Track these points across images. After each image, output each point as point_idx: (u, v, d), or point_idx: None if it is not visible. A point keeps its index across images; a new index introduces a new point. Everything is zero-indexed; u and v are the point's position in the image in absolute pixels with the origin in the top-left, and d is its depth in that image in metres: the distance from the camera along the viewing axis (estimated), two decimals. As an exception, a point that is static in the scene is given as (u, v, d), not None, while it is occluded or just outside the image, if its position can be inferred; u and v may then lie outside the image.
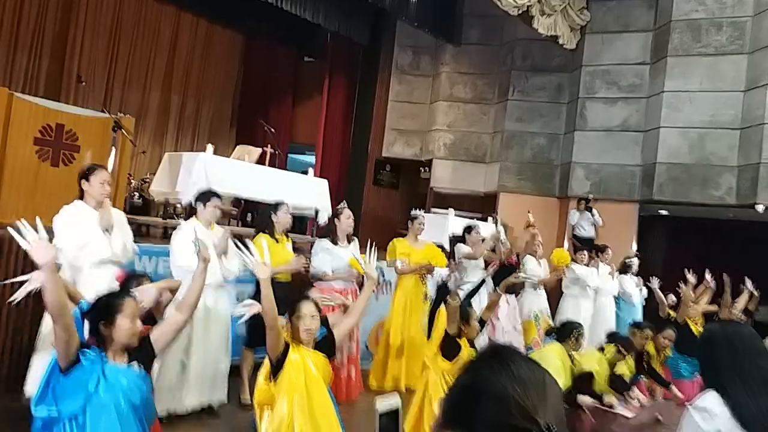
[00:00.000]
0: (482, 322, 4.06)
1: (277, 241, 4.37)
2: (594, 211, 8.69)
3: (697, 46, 8.42)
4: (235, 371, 4.35)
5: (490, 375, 0.90)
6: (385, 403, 1.07)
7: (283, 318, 2.86)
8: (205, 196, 4.05)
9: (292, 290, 4.21)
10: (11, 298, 2.60)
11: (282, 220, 4.39)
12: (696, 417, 1.77)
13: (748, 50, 8.11)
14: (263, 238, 4.32)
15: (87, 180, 3.44)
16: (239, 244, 2.98)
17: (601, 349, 4.63)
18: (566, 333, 4.65)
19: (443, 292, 5.10)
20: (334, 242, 4.79)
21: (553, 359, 4.27)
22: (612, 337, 4.80)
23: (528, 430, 0.84)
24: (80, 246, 3.34)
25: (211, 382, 3.99)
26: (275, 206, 4.46)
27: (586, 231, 8.69)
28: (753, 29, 8.10)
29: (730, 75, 8.16)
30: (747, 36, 8.14)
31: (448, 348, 3.78)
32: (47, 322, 3.46)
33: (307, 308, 2.92)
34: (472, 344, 3.93)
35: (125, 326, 2.28)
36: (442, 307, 4.41)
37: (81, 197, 3.47)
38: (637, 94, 9.04)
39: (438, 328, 3.96)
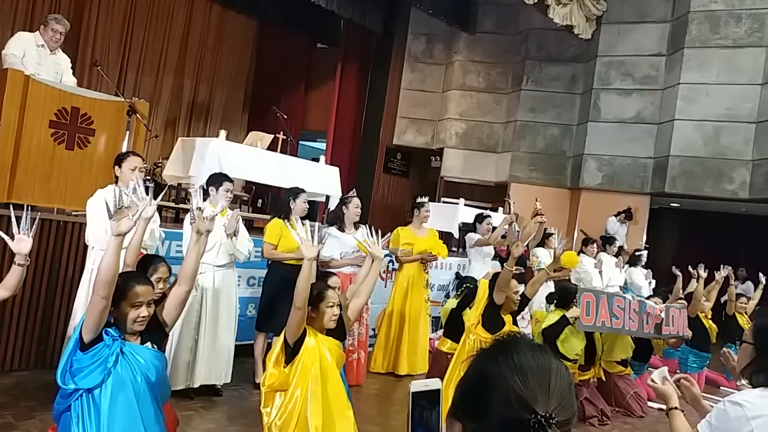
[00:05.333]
0: (526, 299, 4.10)
1: (292, 227, 4.43)
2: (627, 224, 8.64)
3: (715, 38, 8.31)
4: (240, 353, 4.42)
5: (493, 367, 0.90)
6: (421, 383, 1.03)
7: None
8: (217, 179, 4.10)
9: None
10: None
11: (299, 207, 4.46)
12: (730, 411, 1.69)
13: (767, 43, 7.99)
14: (278, 223, 4.40)
15: (119, 166, 3.61)
16: (290, 222, 2.98)
17: None
18: (568, 299, 4.71)
19: (463, 282, 5.16)
20: (341, 229, 4.85)
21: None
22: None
23: (527, 421, 0.83)
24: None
25: (217, 361, 4.07)
26: (294, 194, 4.51)
27: (618, 241, 8.47)
28: (772, 21, 7.98)
29: (748, 68, 8.06)
30: (766, 28, 8.02)
31: (491, 320, 3.84)
32: (78, 311, 3.56)
33: (333, 295, 2.98)
34: (514, 320, 4.01)
35: (126, 313, 2.32)
36: (483, 277, 4.49)
37: (116, 182, 3.62)
38: (652, 86, 8.95)
39: (478, 298, 4.02)
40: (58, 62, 5.01)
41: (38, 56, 4.79)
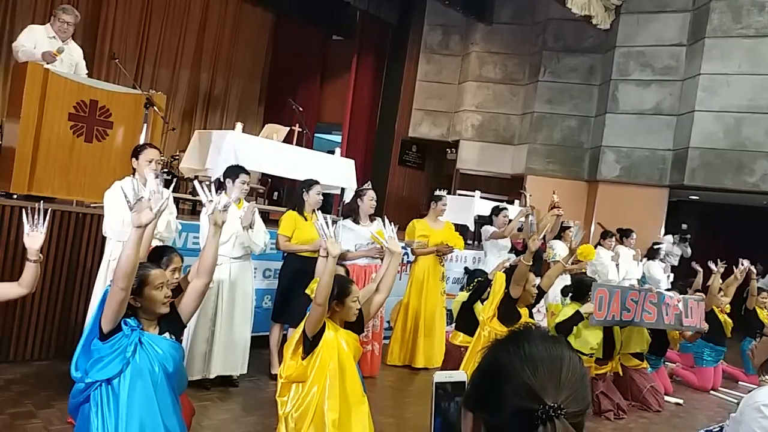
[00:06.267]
0: (542, 292, 4.09)
1: (306, 219, 4.45)
2: (688, 243, 8.35)
3: (737, 28, 8.14)
4: (256, 344, 4.46)
5: (504, 357, 0.90)
6: (445, 374, 1.04)
7: None
8: (234, 172, 4.12)
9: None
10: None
11: (312, 199, 4.48)
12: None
13: (791, 32, 7.82)
14: (292, 215, 4.43)
15: (136, 158, 3.63)
16: (321, 218, 2.96)
17: None
18: (583, 292, 4.68)
19: (473, 276, 5.14)
20: (356, 221, 4.86)
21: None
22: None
23: (535, 411, 0.83)
24: (127, 221, 3.46)
25: (233, 352, 4.11)
26: (308, 186, 4.53)
27: (673, 260, 7.99)
28: (797, 10, 7.81)
29: (771, 58, 7.89)
30: (790, 17, 7.85)
31: (507, 313, 3.83)
32: (96, 301, 3.61)
33: (357, 290, 3.01)
34: (530, 313, 4.00)
35: (154, 296, 2.37)
36: (497, 268, 4.47)
37: (133, 174, 3.65)
38: (672, 76, 8.81)
39: (494, 290, 4.02)
40: (71, 53, 5.07)
41: (51, 48, 4.84)
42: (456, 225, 5.99)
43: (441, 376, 1.03)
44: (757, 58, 7.97)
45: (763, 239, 9.78)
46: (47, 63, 4.63)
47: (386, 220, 3.39)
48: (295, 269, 4.32)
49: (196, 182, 2.64)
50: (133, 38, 10.11)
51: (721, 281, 5.96)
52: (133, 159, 3.66)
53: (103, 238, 4.14)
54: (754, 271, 6.36)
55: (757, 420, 1.64)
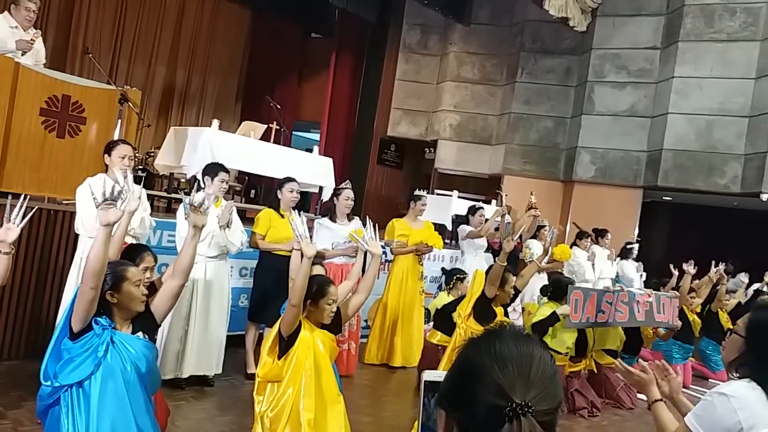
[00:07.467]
0: (516, 291, 4.13)
1: (282, 216, 4.42)
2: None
3: (710, 32, 8.31)
4: (232, 343, 4.42)
5: (475, 356, 0.91)
6: (434, 374, 1.05)
7: None
8: (213, 169, 4.07)
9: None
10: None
11: (286, 197, 4.44)
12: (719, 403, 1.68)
13: (761, 37, 8.00)
14: (268, 213, 4.40)
15: (109, 154, 3.59)
16: (297, 218, 2.93)
17: None
18: (561, 292, 4.74)
19: (451, 275, 5.18)
20: (333, 220, 4.85)
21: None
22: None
23: (503, 409, 0.84)
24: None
25: (208, 352, 4.07)
26: (281, 183, 4.51)
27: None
28: (767, 16, 7.99)
29: (742, 62, 8.08)
30: (760, 22, 8.03)
31: (483, 312, 3.85)
32: (68, 300, 3.54)
33: (334, 292, 2.98)
34: (505, 312, 4.03)
35: (132, 292, 2.33)
36: (479, 269, 4.52)
37: (106, 171, 3.60)
38: (647, 79, 8.96)
39: (472, 290, 4.04)
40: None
41: (14, 38, 4.70)
42: (434, 224, 6.03)
43: (431, 375, 1.04)
44: (728, 62, 8.15)
45: (733, 240, 10.00)
46: (23, 52, 4.53)
47: (368, 221, 3.37)
48: (270, 268, 4.29)
49: (194, 188, 2.52)
50: (108, 32, 9.92)
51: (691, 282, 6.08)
52: (106, 155, 3.61)
53: (76, 236, 4.06)
54: (725, 276, 6.50)
55: (704, 399, 1.73)
